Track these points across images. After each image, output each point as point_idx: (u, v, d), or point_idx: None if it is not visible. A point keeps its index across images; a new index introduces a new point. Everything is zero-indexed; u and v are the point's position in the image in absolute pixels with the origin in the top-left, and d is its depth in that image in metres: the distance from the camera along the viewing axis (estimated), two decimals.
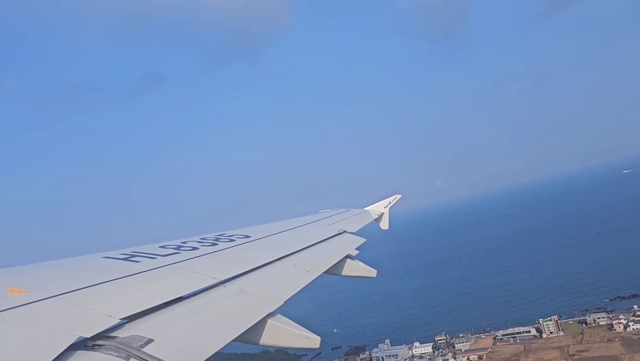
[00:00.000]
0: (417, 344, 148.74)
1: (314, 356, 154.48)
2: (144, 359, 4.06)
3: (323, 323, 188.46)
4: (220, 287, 6.27)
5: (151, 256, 6.98)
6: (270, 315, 5.87)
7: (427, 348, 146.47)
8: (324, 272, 8.62)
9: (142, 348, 4.21)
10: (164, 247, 7.77)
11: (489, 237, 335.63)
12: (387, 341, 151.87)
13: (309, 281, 7.66)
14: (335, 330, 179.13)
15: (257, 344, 5.69)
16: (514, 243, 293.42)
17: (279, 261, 8.17)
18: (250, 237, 9.56)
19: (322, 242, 10.53)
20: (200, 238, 8.87)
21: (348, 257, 9.99)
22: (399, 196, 21.38)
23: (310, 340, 6.03)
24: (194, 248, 7.86)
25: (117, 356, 4.00)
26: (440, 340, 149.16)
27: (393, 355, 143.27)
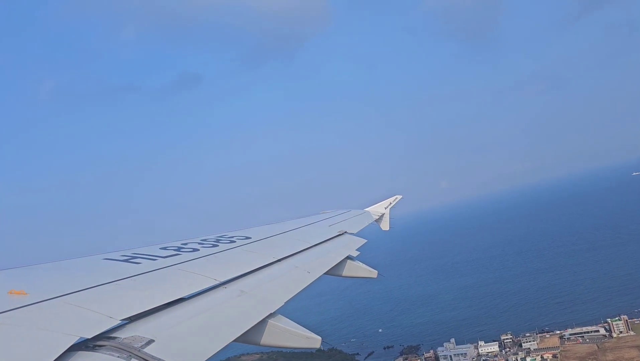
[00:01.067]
0: (481, 343, 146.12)
1: (368, 356, 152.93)
2: (145, 359, 4.07)
3: (367, 324, 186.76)
4: (221, 288, 6.28)
5: (152, 257, 6.98)
6: (271, 315, 5.87)
7: (494, 347, 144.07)
8: (324, 273, 8.62)
9: (143, 348, 4.21)
10: (164, 248, 7.78)
11: (515, 238, 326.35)
12: (452, 340, 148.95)
13: (309, 282, 7.66)
14: (380, 330, 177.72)
15: (258, 344, 5.69)
16: (545, 245, 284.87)
17: (279, 262, 8.17)
18: (250, 238, 9.56)
19: (322, 243, 10.53)
20: (201, 240, 8.88)
21: (349, 257, 9.99)
22: (399, 197, 21.38)
23: (311, 340, 6.03)
24: (195, 250, 7.86)
25: (118, 356, 4.00)
26: (506, 338, 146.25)
27: (462, 354, 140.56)
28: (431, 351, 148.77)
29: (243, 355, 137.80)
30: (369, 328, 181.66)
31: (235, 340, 5.15)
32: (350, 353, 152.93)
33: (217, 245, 8.47)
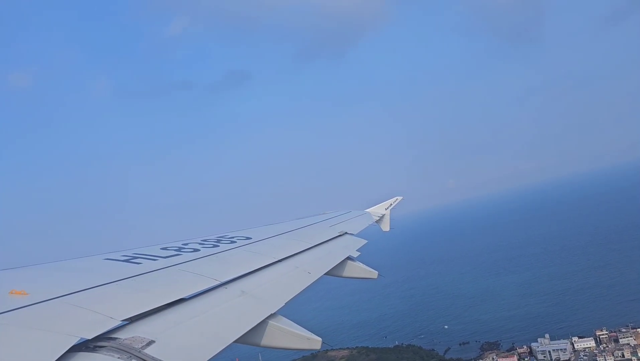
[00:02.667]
0: (575, 338, 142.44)
1: (446, 351, 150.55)
2: (145, 360, 4.06)
3: (429, 320, 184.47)
4: (222, 288, 6.27)
5: (152, 258, 6.98)
6: (271, 316, 5.86)
7: (589, 343, 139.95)
8: (325, 273, 8.62)
9: (144, 349, 4.20)
10: (165, 248, 7.78)
11: (553, 235, 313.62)
12: (547, 335, 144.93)
13: (310, 283, 7.66)
14: (446, 326, 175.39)
15: (259, 345, 5.68)
16: (590, 242, 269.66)
17: (280, 262, 8.17)
18: (251, 238, 9.56)
19: (323, 243, 10.53)
20: (202, 240, 8.87)
21: (349, 258, 9.98)
22: (400, 198, 21.38)
23: (312, 341, 6.02)
24: (195, 250, 7.86)
25: (118, 357, 4.00)
26: (602, 334, 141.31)
27: (561, 349, 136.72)
28: (525, 346, 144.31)
29: (330, 350, 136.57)
30: (432, 325, 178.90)
31: (235, 341, 5.14)
32: (427, 348, 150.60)
33: (218, 246, 8.47)
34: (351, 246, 11.01)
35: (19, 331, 3.99)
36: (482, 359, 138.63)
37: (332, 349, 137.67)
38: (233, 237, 9.49)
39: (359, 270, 9.94)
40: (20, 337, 3.92)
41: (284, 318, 6.05)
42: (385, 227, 18.87)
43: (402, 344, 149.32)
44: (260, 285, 6.79)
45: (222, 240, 9.03)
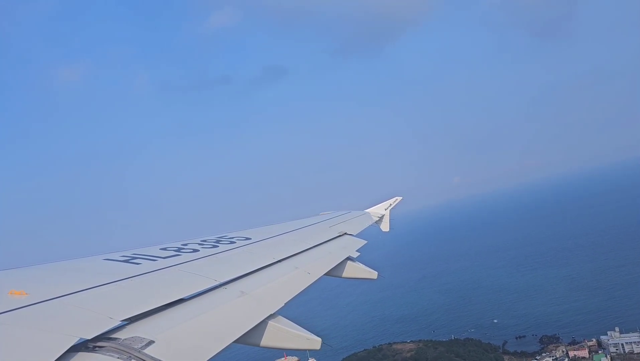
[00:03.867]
0: None
1: (503, 344, 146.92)
2: (145, 360, 4.06)
3: (477, 314, 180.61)
4: (221, 289, 6.27)
5: (152, 258, 6.98)
6: (271, 316, 5.86)
7: None
8: (324, 274, 8.62)
9: (143, 349, 4.20)
10: (164, 248, 7.77)
11: (578, 231, 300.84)
12: (617, 328, 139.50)
13: (309, 283, 7.65)
14: (495, 321, 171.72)
15: (259, 345, 5.68)
16: (624, 237, 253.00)
17: (279, 263, 8.16)
18: (251, 238, 9.56)
19: (322, 244, 10.52)
20: (201, 240, 8.87)
21: (349, 258, 9.98)
22: (399, 198, 21.39)
23: (311, 342, 6.02)
24: (195, 250, 7.85)
25: (118, 357, 4.00)
26: None
27: (635, 342, 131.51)
28: (594, 340, 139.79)
29: (395, 343, 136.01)
30: (480, 319, 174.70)
31: (235, 341, 5.14)
32: (485, 341, 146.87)
33: (217, 246, 8.47)
34: (351, 246, 11.01)
35: (19, 332, 3.98)
36: (547, 352, 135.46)
37: (396, 342, 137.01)
38: (232, 238, 9.49)
39: (358, 270, 9.94)
40: (20, 337, 3.92)
41: (284, 319, 6.05)
42: (385, 227, 18.87)
43: (455, 338, 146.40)
44: (259, 285, 6.79)
45: (221, 241, 9.03)
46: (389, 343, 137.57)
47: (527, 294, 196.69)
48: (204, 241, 8.85)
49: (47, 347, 3.80)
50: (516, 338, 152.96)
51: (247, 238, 9.53)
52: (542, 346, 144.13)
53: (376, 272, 10.21)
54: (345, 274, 9.71)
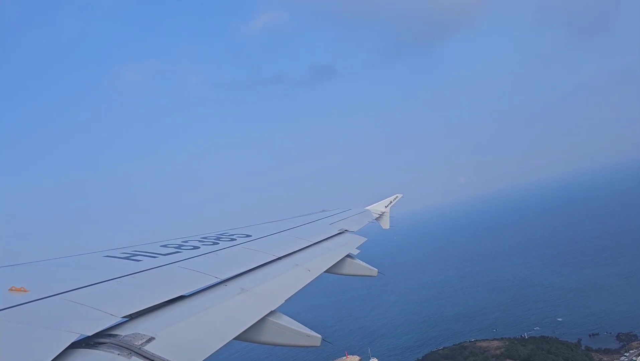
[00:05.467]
0: None
1: (578, 342, 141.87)
2: (145, 357, 4.07)
3: (537, 312, 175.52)
4: (222, 286, 6.28)
5: (152, 255, 6.99)
6: (271, 313, 5.87)
7: None
8: (324, 271, 8.62)
9: (144, 346, 4.21)
10: (165, 245, 7.78)
11: (612, 229, 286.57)
12: None
13: (309, 281, 7.66)
14: (559, 319, 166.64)
15: (259, 342, 5.69)
16: None
17: (279, 260, 8.17)
18: (251, 236, 9.56)
19: (323, 241, 10.53)
20: (202, 238, 8.88)
21: (349, 256, 9.99)
22: (399, 195, 21.39)
23: (311, 338, 6.03)
24: (195, 248, 7.86)
25: (118, 354, 4.01)
26: None
27: None
28: None
29: (479, 340, 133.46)
30: (542, 317, 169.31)
31: (235, 338, 5.15)
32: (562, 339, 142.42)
33: (218, 243, 8.47)
34: (351, 244, 11.01)
35: (19, 328, 3.99)
36: (634, 349, 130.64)
37: (479, 340, 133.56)
38: (233, 235, 9.49)
39: (359, 267, 9.95)
40: (21, 334, 3.93)
41: (284, 316, 6.05)
42: (385, 224, 18.88)
43: (523, 336, 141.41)
44: (260, 282, 6.80)
45: (222, 238, 9.03)
46: (472, 341, 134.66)
47: (585, 292, 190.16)
48: (205, 238, 8.85)
49: (48, 343, 3.81)
50: (590, 335, 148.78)
51: (248, 236, 9.54)
52: (621, 343, 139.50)
53: (376, 269, 10.22)
54: (345, 271, 9.72)
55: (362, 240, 11.71)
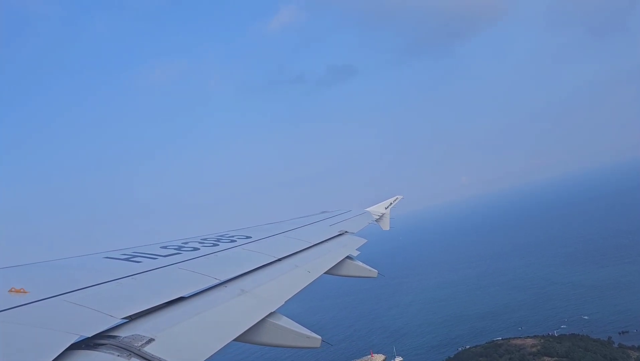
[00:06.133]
0: None
1: (609, 339, 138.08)
2: (145, 358, 4.07)
3: (561, 310, 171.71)
4: (221, 287, 6.28)
5: (152, 256, 6.98)
6: (271, 314, 5.87)
7: None
8: (325, 272, 8.62)
9: (143, 347, 4.21)
10: (165, 247, 7.78)
11: (624, 228, 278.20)
12: None
13: (309, 282, 7.66)
14: (585, 317, 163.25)
15: (259, 343, 5.69)
16: None
17: (279, 261, 8.17)
18: (251, 237, 9.56)
19: (323, 242, 10.53)
20: (202, 239, 8.88)
21: (349, 257, 9.99)
22: (400, 197, 21.39)
23: (311, 340, 6.03)
24: (195, 249, 7.86)
25: (118, 355, 4.01)
26: None
27: None
28: None
29: (512, 338, 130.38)
30: (567, 316, 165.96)
31: (235, 339, 5.15)
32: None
33: (218, 245, 8.47)
34: (351, 245, 11.01)
35: (19, 329, 3.99)
36: None
37: (513, 338, 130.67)
38: (233, 236, 9.49)
39: (358, 269, 9.95)
40: (20, 335, 3.93)
41: (284, 317, 6.05)
42: (385, 226, 18.88)
43: (554, 333, 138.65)
44: (260, 284, 6.79)
45: (222, 239, 9.03)
46: (506, 339, 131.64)
47: (610, 290, 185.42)
48: (205, 239, 8.85)
49: (48, 345, 3.81)
50: (619, 333, 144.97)
51: (248, 237, 9.54)
52: None
53: (376, 271, 10.22)
54: (345, 272, 9.72)
55: (362, 241, 11.70)
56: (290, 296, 6.63)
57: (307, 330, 6.09)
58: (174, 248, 7.71)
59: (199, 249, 7.90)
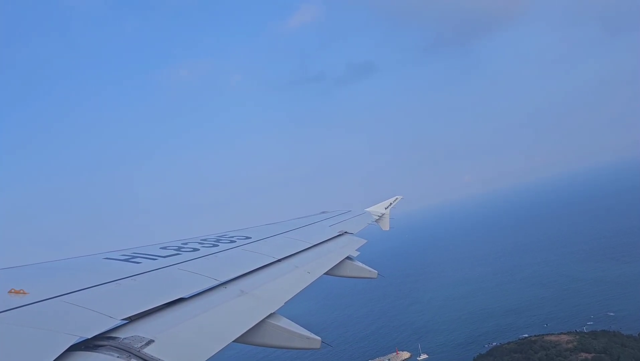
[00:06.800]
0: None
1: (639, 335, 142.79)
2: (144, 360, 4.06)
3: (585, 307, 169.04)
4: (221, 288, 6.27)
5: (152, 257, 6.98)
6: (271, 315, 5.86)
7: None
8: (324, 273, 8.62)
9: (143, 348, 4.20)
10: (164, 248, 7.77)
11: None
12: None
13: (309, 283, 7.66)
14: (611, 313, 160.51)
15: (258, 344, 5.68)
16: None
17: (279, 262, 8.16)
18: (251, 238, 9.56)
19: (323, 243, 10.52)
20: (201, 240, 8.87)
21: (349, 258, 9.99)
22: (399, 197, 21.39)
23: (311, 341, 6.03)
24: (195, 250, 7.85)
25: (118, 356, 4.00)
26: None
27: None
28: None
29: (545, 334, 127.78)
30: (593, 312, 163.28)
31: (235, 340, 5.14)
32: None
33: (217, 245, 8.47)
34: (351, 245, 11.01)
35: (19, 330, 3.99)
36: None
37: (546, 334, 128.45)
38: (233, 237, 9.49)
39: (358, 269, 9.95)
40: (20, 336, 3.92)
41: (284, 318, 6.05)
42: (385, 226, 18.88)
43: (584, 330, 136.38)
44: (259, 284, 6.79)
45: (221, 240, 9.03)
46: (539, 335, 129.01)
47: (632, 287, 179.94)
48: (204, 240, 8.85)
49: (47, 346, 3.80)
50: None
51: (247, 238, 9.53)
52: None
53: (376, 271, 10.22)
54: (345, 273, 9.72)
55: (362, 241, 11.70)
56: (290, 297, 6.63)
57: (307, 331, 6.09)
58: (174, 249, 7.70)
59: (199, 250, 7.89)
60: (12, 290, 4.73)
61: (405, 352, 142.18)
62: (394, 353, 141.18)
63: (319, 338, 6.10)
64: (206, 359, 4.48)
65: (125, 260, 6.67)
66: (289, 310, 6.23)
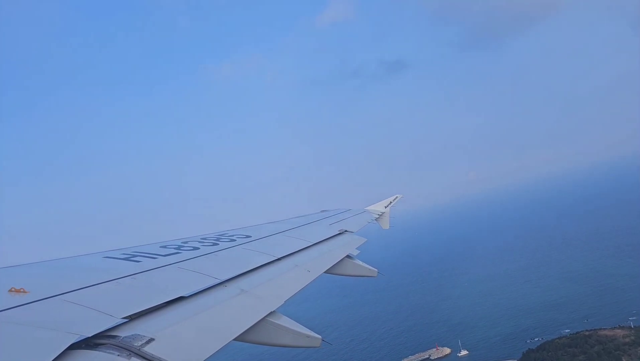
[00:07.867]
0: None
1: None
2: (145, 358, 4.06)
3: (630, 302, 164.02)
4: (221, 287, 6.27)
5: (152, 256, 6.98)
6: (271, 314, 5.87)
7: None
8: (324, 272, 8.62)
9: (143, 347, 4.20)
10: (164, 246, 7.77)
11: None
12: None
13: (309, 281, 7.66)
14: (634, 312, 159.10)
15: (259, 343, 5.69)
16: None
17: (279, 261, 8.17)
18: (251, 236, 9.56)
19: (322, 241, 10.53)
20: (201, 238, 8.88)
21: (349, 256, 9.99)
22: (399, 196, 21.40)
23: (311, 339, 6.03)
24: (195, 248, 7.86)
25: (118, 355, 4.00)
26: None
27: None
28: None
29: (600, 329, 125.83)
30: (633, 307, 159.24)
31: (235, 339, 5.15)
32: None
33: (218, 244, 8.47)
34: (351, 244, 11.02)
35: (19, 329, 3.99)
36: None
37: (601, 328, 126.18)
38: (233, 235, 9.49)
39: (358, 268, 9.95)
40: (20, 335, 3.92)
41: (284, 316, 6.05)
42: (385, 225, 18.89)
43: (630, 325, 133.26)
44: (259, 283, 6.79)
45: (221, 239, 9.03)
46: (595, 330, 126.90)
47: None
48: (204, 239, 8.85)
49: (48, 344, 3.80)
50: None
51: (247, 236, 9.54)
52: None
53: (376, 270, 10.23)
54: (345, 272, 9.72)
55: (362, 240, 11.71)
56: (290, 296, 6.63)
57: (307, 329, 6.10)
58: (174, 248, 7.70)
59: (199, 248, 7.90)
60: (12, 289, 4.73)
61: (445, 348, 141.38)
62: (434, 349, 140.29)
63: (319, 336, 6.10)
64: (206, 357, 4.49)
65: (125, 259, 6.67)
66: (288, 309, 6.24)
